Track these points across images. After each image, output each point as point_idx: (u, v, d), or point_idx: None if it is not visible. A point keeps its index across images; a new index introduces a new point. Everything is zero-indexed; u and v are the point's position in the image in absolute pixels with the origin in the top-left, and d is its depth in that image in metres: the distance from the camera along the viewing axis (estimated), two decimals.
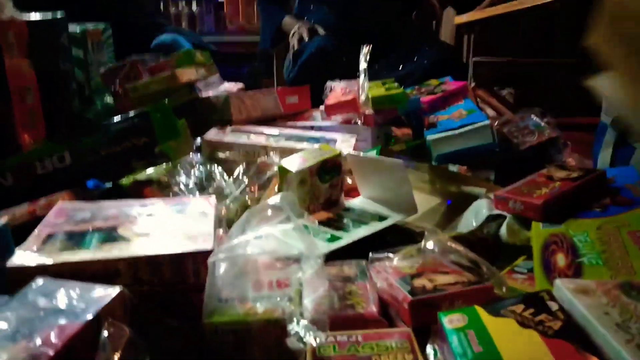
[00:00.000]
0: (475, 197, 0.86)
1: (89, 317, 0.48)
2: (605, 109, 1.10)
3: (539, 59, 1.91)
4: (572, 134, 1.37)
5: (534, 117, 1.16)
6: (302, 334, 0.49)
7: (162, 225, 0.66)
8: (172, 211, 0.70)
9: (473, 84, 1.73)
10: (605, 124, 1.07)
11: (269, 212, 0.64)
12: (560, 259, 0.64)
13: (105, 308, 0.50)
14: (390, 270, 0.61)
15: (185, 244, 0.61)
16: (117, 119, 0.93)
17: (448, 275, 0.58)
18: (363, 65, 1.22)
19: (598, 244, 0.64)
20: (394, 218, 0.80)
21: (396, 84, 1.26)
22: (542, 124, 1.14)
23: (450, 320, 0.46)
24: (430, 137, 1.09)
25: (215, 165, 0.96)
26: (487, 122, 1.07)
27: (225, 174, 0.94)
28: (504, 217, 0.76)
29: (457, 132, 1.07)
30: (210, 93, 1.26)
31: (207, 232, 0.64)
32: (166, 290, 0.59)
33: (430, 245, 0.62)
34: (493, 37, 1.93)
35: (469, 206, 0.83)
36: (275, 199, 0.64)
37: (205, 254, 0.59)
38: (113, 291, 0.52)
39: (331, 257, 0.70)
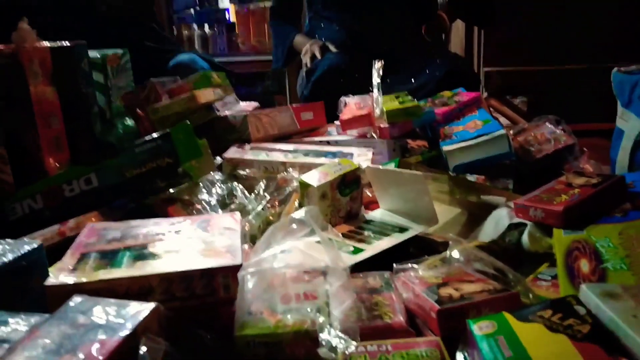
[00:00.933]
0: (494, 207, 0.87)
1: (127, 332, 0.49)
2: (620, 113, 1.11)
3: (551, 66, 1.92)
4: (588, 140, 1.38)
5: (549, 125, 1.17)
6: (333, 343, 0.50)
7: (190, 241, 0.67)
8: (199, 228, 0.72)
9: (485, 94, 1.74)
10: (620, 129, 1.08)
11: (294, 226, 0.65)
12: (584, 265, 0.65)
13: (141, 323, 0.52)
14: (415, 281, 0.62)
15: (214, 259, 0.62)
16: (140, 141, 0.96)
17: (474, 283, 0.59)
18: (376, 79, 1.24)
19: (621, 249, 0.64)
20: (415, 229, 0.81)
21: (410, 97, 1.28)
22: (558, 131, 1.14)
23: (480, 327, 0.47)
24: (446, 147, 1.10)
25: (236, 182, 0.99)
26: (502, 131, 1.08)
27: (246, 191, 0.96)
28: (525, 225, 0.77)
29: (473, 142, 1.08)
30: (227, 113, 1.28)
31: (235, 247, 0.65)
32: (198, 304, 0.60)
33: (455, 254, 0.63)
34: (503, 46, 1.95)
35: (489, 216, 0.84)
36: (299, 214, 0.65)
37: (235, 268, 0.60)
38: (148, 307, 0.54)
39: (355, 270, 0.71)
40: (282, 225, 0.66)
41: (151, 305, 0.54)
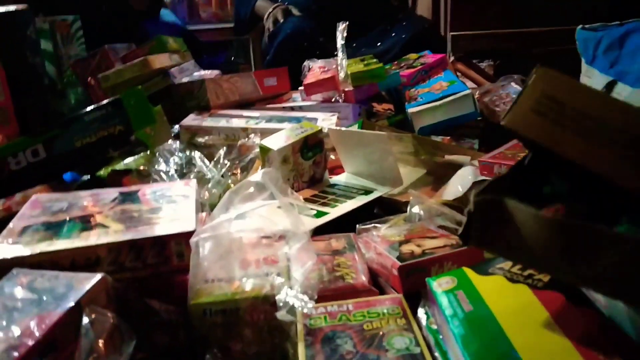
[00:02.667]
0: (459, 166, 0.86)
1: (70, 304, 0.46)
2: (585, 70, 1.10)
3: (517, 29, 1.91)
4: None
5: (514, 85, 1.15)
6: (290, 302, 0.48)
7: (141, 210, 0.64)
8: (152, 196, 0.68)
9: (452, 58, 1.72)
10: None
11: (252, 189, 0.62)
12: None
13: (86, 295, 0.48)
14: (378, 240, 0.60)
15: (166, 226, 0.59)
16: (89, 108, 0.90)
17: (436, 239, 0.57)
18: (340, 42, 1.20)
19: None
20: (379, 191, 0.80)
21: (375, 60, 1.24)
22: None
23: (439, 284, 0.45)
24: (411, 109, 1.08)
25: (195, 151, 0.95)
26: (468, 91, 1.06)
27: (205, 159, 0.92)
28: None
29: (438, 103, 1.06)
30: (185, 80, 1.23)
31: (188, 214, 0.62)
32: (150, 274, 0.57)
33: (416, 209, 0.61)
34: (470, 9, 1.92)
35: (454, 175, 0.82)
36: (257, 176, 0.62)
37: (188, 234, 0.57)
38: (94, 278, 0.50)
39: (319, 233, 0.69)
40: (239, 189, 0.63)
41: (97, 276, 0.51)
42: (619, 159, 0.30)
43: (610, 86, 1.02)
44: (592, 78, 1.07)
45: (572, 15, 1.78)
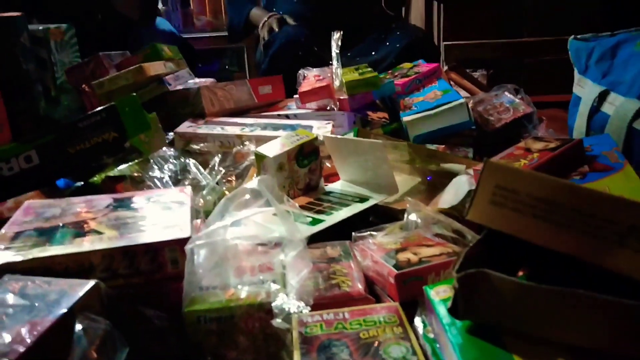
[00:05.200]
0: (454, 175, 0.86)
1: (62, 311, 0.46)
2: (577, 80, 1.11)
3: (509, 39, 1.93)
4: (547, 111, 1.39)
5: (507, 94, 1.16)
6: (286, 309, 0.48)
7: (135, 216, 0.63)
8: (146, 203, 0.68)
9: (446, 67, 1.73)
10: (578, 95, 1.08)
11: (247, 196, 0.62)
12: None
13: (79, 302, 0.48)
14: (374, 248, 0.60)
15: (160, 233, 0.59)
16: (84, 115, 0.90)
17: (433, 247, 0.57)
18: (335, 51, 1.21)
19: None
20: (375, 199, 0.79)
21: (369, 69, 1.25)
22: (517, 100, 1.14)
23: (437, 292, 0.45)
24: (406, 118, 1.08)
25: (190, 158, 0.94)
26: (462, 100, 1.07)
27: (200, 166, 0.92)
28: None
29: (432, 112, 1.07)
30: (180, 87, 1.23)
31: (183, 221, 0.62)
32: (143, 281, 0.57)
33: (413, 217, 0.61)
34: (462, 19, 1.94)
35: (449, 183, 0.83)
36: (253, 184, 0.62)
37: (182, 241, 0.57)
38: (87, 285, 0.50)
39: (315, 241, 0.68)
40: (234, 196, 0.63)
41: (90, 283, 0.50)
42: (578, 237, 0.31)
43: (603, 96, 1.02)
44: (585, 88, 1.08)
45: (563, 25, 1.81)
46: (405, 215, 0.63)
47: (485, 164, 0.37)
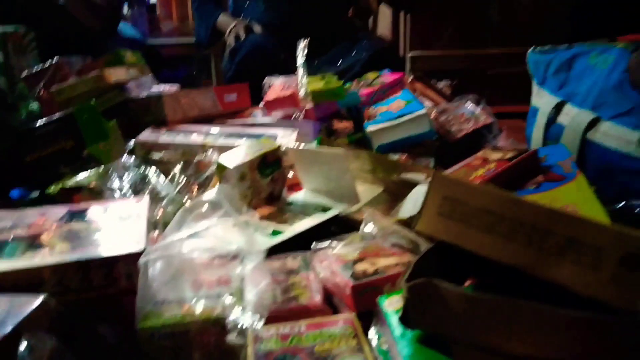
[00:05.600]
0: (415, 184, 0.87)
1: (6, 330, 0.44)
2: (536, 91, 1.14)
3: (473, 50, 1.97)
4: (508, 121, 1.42)
5: (469, 105, 1.19)
6: (240, 323, 0.47)
7: (89, 229, 0.62)
8: (101, 214, 0.66)
9: (411, 77, 1.76)
10: (535, 107, 1.11)
11: (205, 207, 0.61)
12: None
13: (25, 320, 0.46)
14: (332, 258, 0.60)
15: (114, 246, 0.57)
16: (41, 122, 0.87)
17: (390, 257, 0.58)
18: (301, 59, 1.21)
19: None
20: (337, 209, 0.80)
21: (335, 78, 1.25)
22: (477, 110, 1.16)
23: (390, 303, 0.46)
24: (369, 128, 1.09)
25: (150, 167, 0.93)
26: (424, 111, 1.08)
27: (161, 176, 0.90)
28: None
29: (395, 122, 1.08)
30: (143, 94, 1.21)
31: (138, 233, 0.60)
32: (97, 296, 0.55)
33: (368, 228, 0.61)
34: (428, 31, 1.97)
35: (410, 193, 0.83)
36: (211, 194, 0.61)
37: (137, 255, 0.55)
38: (35, 301, 0.48)
39: (276, 252, 0.68)
40: (192, 207, 0.62)
41: (39, 299, 0.49)
42: (520, 249, 0.32)
43: (559, 107, 1.05)
44: (543, 98, 1.10)
45: (526, 38, 1.86)
46: (362, 226, 0.63)
47: (433, 177, 0.38)
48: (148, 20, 2.35)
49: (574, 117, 0.98)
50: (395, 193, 0.89)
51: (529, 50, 1.19)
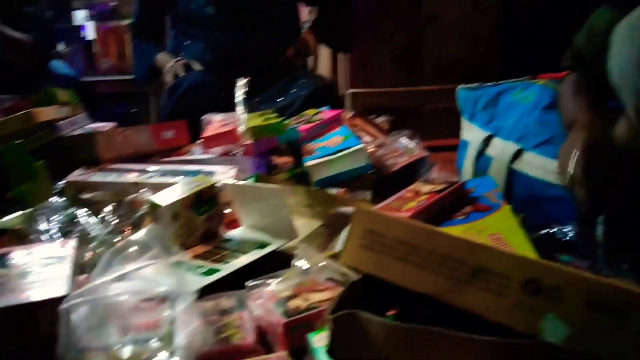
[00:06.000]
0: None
1: None
2: (465, 125, 1.20)
3: (409, 87, 2.06)
4: (443, 154, 1.48)
5: (403, 139, 1.23)
6: None
7: (9, 275, 0.58)
8: (24, 259, 0.63)
9: (351, 114, 1.80)
10: (466, 140, 1.17)
11: (134, 249, 0.59)
12: None
13: None
14: (266, 296, 0.59)
15: (35, 292, 0.54)
16: None
17: (323, 292, 0.58)
18: (240, 97, 1.22)
19: None
20: (275, 244, 0.79)
21: (274, 115, 1.27)
22: (411, 145, 1.20)
23: (320, 338, 0.45)
24: (308, 163, 1.11)
25: (81, 208, 0.89)
26: (361, 145, 1.11)
27: (92, 216, 0.87)
28: None
29: (333, 157, 1.10)
30: (76, 132, 1.17)
31: (61, 278, 0.58)
32: (15, 345, 0.52)
33: (301, 263, 0.61)
34: (366, 69, 2.05)
35: (347, 226, 0.84)
36: (139, 235, 0.59)
37: (59, 300, 0.53)
38: None
39: (211, 291, 0.67)
40: (120, 248, 0.60)
41: None
42: (434, 278, 0.34)
43: (487, 140, 1.11)
44: (472, 132, 1.16)
45: (455, 75, 1.97)
46: (293, 262, 0.63)
47: (355, 211, 0.39)
48: (85, 57, 2.31)
49: (500, 149, 1.03)
50: (334, 226, 0.89)
51: (458, 88, 1.25)
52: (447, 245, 0.34)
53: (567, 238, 0.84)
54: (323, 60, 2.30)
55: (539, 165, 0.94)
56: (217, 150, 1.20)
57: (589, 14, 0.92)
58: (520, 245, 0.66)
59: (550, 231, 0.85)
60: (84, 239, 0.82)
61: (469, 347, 0.32)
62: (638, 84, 0.67)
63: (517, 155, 0.99)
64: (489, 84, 1.24)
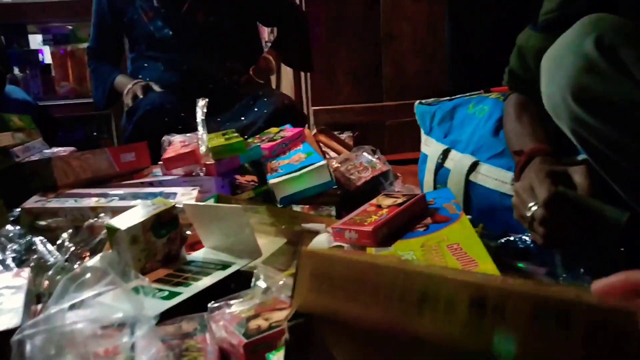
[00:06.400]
0: (316, 234, 0.89)
1: None
2: (424, 140, 1.22)
3: (370, 103, 2.09)
4: (405, 167, 1.51)
5: (366, 154, 1.24)
6: None
7: None
8: None
9: (315, 131, 1.82)
10: (425, 154, 1.19)
11: (91, 275, 0.58)
12: None
13: None
14: (228, 317, 0.58)
15: None
16: None
17: (285, 311, 0.57)
18: (200, 117, 1.22)
19: (422, 260, 0.69)
20: (238, 264, 0.79)
21: (236, 134, 1.27)
22: (374, 159, 1.22)
23: (279, 357, 0.45)
24: (271, 181, 1.11)
25: (37, 236, 0.87)
26: (323, 162, 1.12)
27: (48, 244, 0.85)
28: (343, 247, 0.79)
29: (297, 174, 1.11)
30: (32, 158, 1.15)
31: (15, 308, 0.56)
32: None
33: (261, 283, 0.61)
34: (328, 87, 2.08)
35: (311, 242, 0.85)
36: (94, 261, 0.58)
37: (11, 332, 0.51)
38: None
39: (173, 315, 0.65)
40: (76, 276, 0.59)
41: None
42: (383, 311, 0.34)
43: (445, 153, 1.14)
44: (431, 146, 1.19)
45: (414, 91, 2.03)
46: (252, 282, 0.63)
47: (300, 255, 0.39)
48: (42, 81, 2.26)
49: (457, 161, 1.06)
50: (298, 243, 0.89)
51: (416, 103, 1.28)
52: (390, 276, 0.34)
53: (525, 246, 0.86)
54: (286, 79, 2.32)
55: (494, 177, 0.97)
56: (179, 171, 1.19)
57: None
58: (478, 254, 0.68)
59: (509, 239, 0.87)
60: (41, 267, 0.79)
61: (425, 350, 0.32)
62: (569, 112, 0.69)
63: (473, 167, 1.02)
64: (444, 98, 1.27)
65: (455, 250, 0.70)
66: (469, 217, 0.84)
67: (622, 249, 0.81)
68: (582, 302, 0.29)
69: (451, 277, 0.32)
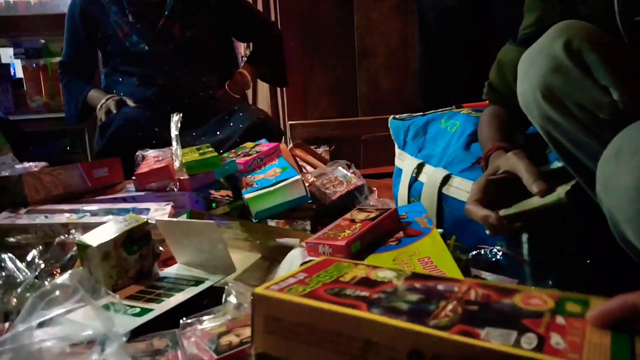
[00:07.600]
0: (290, 248, 0.89)
1: None
2: (398, 154, 1.24)
3: (346, 118, 2.11)
4: (381, 181, 1.52)
5: (341, 169, 1.26)
6: None
7: None
8: None
9: (291, 145, 1.83)
10: (399, 168, 1.21)
11: (57, 293, 0.57)
12: None
13: None
14: (199, 334, 0.58)
15: None
16: None
17: None
18: (174, 132, 1.21)
19: None
20: (211, 280, 0.78)
21: (211, 149, 1.27)
22: (349, 174, 1.24)
23: None
24: (247, 195, 1.11)
25: (6, 253, 0.85)
26: (298, 177, 1.13)
27: (17, 261, 0.83)
28: None
29: (272, 189, 1.11)
30: (1, 175, 1.12)
31: None
32: None
33: (232, 299, 0.61)
34: (303, 102, 2.10)
35: (285, 257, 0.85)
36: (64, 278, 0.57)
37: None
38: None
39: (146, 331, 0.65)
40: (44, 293, 0.58)
41: None
42: (331, 356, 0.35)
43: (419, 167, 1.16)
44: (405, 161, 1.20)
45: (388, 106, 2.06)
46: (223, 297, 0.63)
47: (253, 297, 0.39)
48: (14, 96, 2.22)
49: (430, 175, 1.08)
50: (272, 258, 0.90)
51: (390, 118, 1.30)
52: (336, 322, 0.35)
53: (496, 258, 0.88)
54: (262, 93, 2.33)
55: (465, 190, 0.98)
56: (153, 186, 1.18)
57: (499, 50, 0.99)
58: (448, 267, 0.69)
59: (480, 252, 0.89)
60: (10, 285, 0.78)
61: None
62: (539, 109, 0.72)
63: (445, 180, 1.04)
64: (418, 114, 1.29)
65: (427, 263, 0.71)
66: (440, 230, 0.86)
67: (588, 261, 0.84)
68: (514, 353, 0.30)
69: (391, 325, 0.33)
